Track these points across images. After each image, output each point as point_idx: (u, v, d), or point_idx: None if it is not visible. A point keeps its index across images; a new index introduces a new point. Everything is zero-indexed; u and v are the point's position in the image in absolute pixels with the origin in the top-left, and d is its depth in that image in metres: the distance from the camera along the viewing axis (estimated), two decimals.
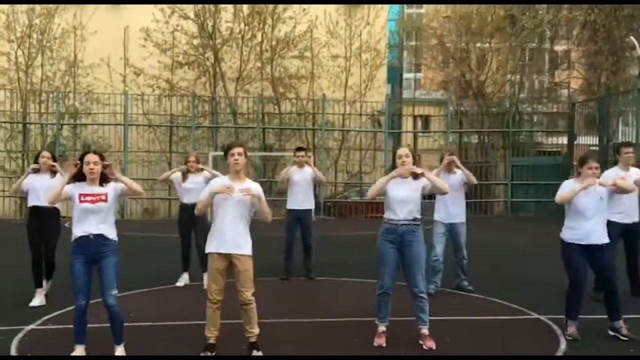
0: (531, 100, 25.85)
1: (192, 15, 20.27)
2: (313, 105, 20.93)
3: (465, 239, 7.56)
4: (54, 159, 7.16)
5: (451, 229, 7.45)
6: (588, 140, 20.49)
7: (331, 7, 21.26)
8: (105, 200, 4.86)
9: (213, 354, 5.03)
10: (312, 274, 8.65)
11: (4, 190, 18.69)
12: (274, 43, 20.78)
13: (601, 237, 5.68)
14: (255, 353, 5.03)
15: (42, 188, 6.82)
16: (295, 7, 20.51)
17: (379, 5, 21.90)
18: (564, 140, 22.17)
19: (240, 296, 4.98)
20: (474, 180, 7.57)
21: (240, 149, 5.12)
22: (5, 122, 19.95)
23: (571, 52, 25.83)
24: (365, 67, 21.48)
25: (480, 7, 22.89)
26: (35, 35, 20.30)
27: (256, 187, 5.10)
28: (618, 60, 20.30)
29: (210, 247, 5.06)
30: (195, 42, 20.61)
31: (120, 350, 4.91)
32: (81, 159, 4.90)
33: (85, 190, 4.85)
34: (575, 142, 20.92)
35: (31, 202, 7.08)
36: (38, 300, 6.94)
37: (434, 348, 5.29)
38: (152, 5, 19.94)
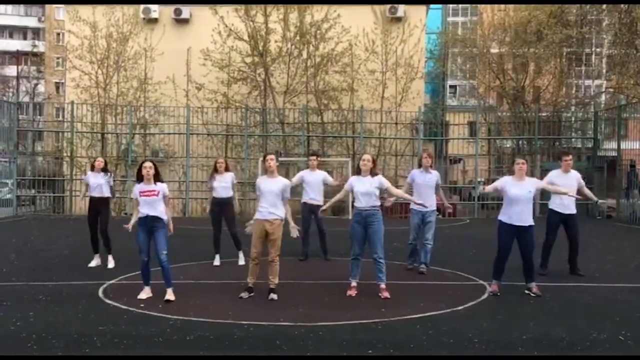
0: (567, 106, 27.02)
1: (245, 37, 22.87)
2: (353, 115, 23.09)
3: (435, 226, 9.39)
4: (105, 163, 10.03)
5: (423, 217, 9.30)
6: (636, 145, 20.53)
7: (369, 27, 23.42)
8: (157, 195, 7.30)
9: (252, 294, 7.44)
10: (328, 256, 10.65)
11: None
12: (317, 60, 23.12)
13: (527, 220, 7.66)
14: (272, 295, 7.36)
15: (95, 183, 9.73)
16: (337, 27, 22.78)
17: (412, 24, 23.85)
18: (612, 144, 22.04)
19: (269, 256, 7.43)
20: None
21: (272, 156, 7.72)
22: (87, 132, 23.11)
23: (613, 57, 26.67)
24: (400, 81, 23.53)
25: (514, 17, 24.59)
26: (112, 57, 23.53)
27: (284, 181, 7.61)
28: None
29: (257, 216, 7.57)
30: (248, 60, 23.11)
31: (170, 292, 7.29)
32: (140, 165, 7.42)
33: (143, 188, 7.32)
34: (600, 146, 22.15)
35: (89, 194, 9.91)
36: (94, 262, 9.80)
37: (389, 297, 7.41)
38: (211, 29, 22.65)
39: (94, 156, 22.45)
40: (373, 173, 7.63)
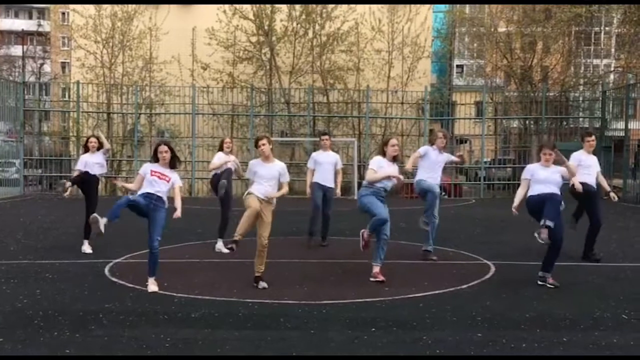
0: (575, 85, 26.73)
1: (251, 15, 22.72)
2: (359, 95, 23.02)
3: (439, 201, 9.22)
4: (99, 141, 9.78)
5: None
6: None
7: (375, 5, 23.22)
8: (167, 181, 6.84)
9: (236, 246, 6.85)
10: (326, 242, 10.21)
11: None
12: (323, 39, 22.98)
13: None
14: (262, 283, 6.95)
15: (91, 162, 9.48)
16: (344, 6, 22.61)
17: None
18: (620, 124, 21.67)
19: (261, 241, 6.91)
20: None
21: (265, 141, 7.13)
22: (92, 112, 23.12)
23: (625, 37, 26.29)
24: (406, 60, 23.37)
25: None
26: (117, 37, 23.40)
27: (280, 165, 7.20)
28: None
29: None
30: (254, 39, 23.01)
31: (152, 281, 6.81)
32: (157, 147, 6.92)
33: (157, 168, 6.85)
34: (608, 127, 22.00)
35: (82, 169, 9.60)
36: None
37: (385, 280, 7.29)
38: (216, 8, 22.52)
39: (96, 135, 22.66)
40: (394, 159, 7.61)
